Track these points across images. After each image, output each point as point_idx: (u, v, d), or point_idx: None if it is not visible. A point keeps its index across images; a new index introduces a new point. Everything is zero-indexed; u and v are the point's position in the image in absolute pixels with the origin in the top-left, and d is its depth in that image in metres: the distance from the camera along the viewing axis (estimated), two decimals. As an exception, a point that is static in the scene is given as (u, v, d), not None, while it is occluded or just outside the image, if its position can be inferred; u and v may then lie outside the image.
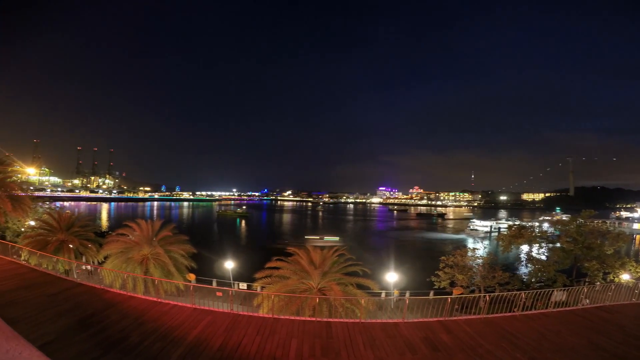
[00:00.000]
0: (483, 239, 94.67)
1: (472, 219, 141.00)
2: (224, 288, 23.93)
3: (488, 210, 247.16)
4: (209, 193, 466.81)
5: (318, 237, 75.92)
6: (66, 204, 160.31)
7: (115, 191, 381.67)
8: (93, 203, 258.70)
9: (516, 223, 49.54)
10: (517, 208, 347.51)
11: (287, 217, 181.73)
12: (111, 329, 12.86)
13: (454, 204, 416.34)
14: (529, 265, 35.96)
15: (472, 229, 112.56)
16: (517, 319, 15.90)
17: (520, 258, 40.38)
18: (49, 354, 2.41)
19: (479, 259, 34.71)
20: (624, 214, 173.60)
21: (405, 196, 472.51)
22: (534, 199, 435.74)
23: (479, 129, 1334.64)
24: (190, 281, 29.78)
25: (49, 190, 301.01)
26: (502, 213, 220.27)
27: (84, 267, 35.39)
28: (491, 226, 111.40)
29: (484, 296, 19.38)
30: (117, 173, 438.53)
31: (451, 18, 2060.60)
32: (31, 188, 45.01)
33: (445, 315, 16.11)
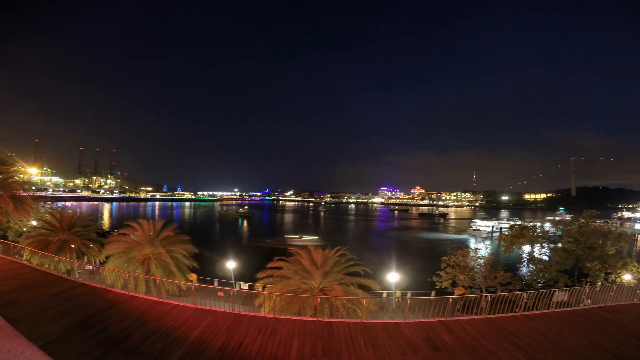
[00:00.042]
0: (485, 239, 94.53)
1: (482, 217, 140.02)
2: (226, 288, 23.94)
3: (489, 211, 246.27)
4: (211, 193, 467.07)
5: (297, 237, 78.02)
6: (68, 204, 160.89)
7: (117, 191, 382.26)
8: (95, 203, 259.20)
9: (517, 223, 49.46)
10: (518, 208, 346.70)
11: (288, 217, 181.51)
12: (113, 329, 12.87)
13: (456, 204, 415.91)
14: (531, 265, 35.91)
15: (474, 229, 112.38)
16: (518, 319, 15.86)
17: (522, 258, 40.25)
18: (51, 353, 2.41)
19: (481, 259, 34.66)
20: (626, 214, 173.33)
21: (407, 196, 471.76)
22: (535, 199, 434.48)
23: (479, 129, 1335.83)
24: (191, 281, 29.80)
25: (50, 190, 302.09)
26: (504, 213, 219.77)
27: (86, 267, 35.45)
28: (493, 226, 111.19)
29: (486, 296, 19.34)
30: (119, 173, 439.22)
31: (451, 18, 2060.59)
32: (33, 188, 45.21)
33: (446, 315, 16.08)
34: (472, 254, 34.86)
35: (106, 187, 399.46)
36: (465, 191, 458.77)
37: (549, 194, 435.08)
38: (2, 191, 32.62)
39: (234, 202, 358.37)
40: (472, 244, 74.81)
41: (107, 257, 28.11)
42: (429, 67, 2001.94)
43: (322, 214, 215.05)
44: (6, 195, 32.13)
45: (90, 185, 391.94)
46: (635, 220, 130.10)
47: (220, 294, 29.08)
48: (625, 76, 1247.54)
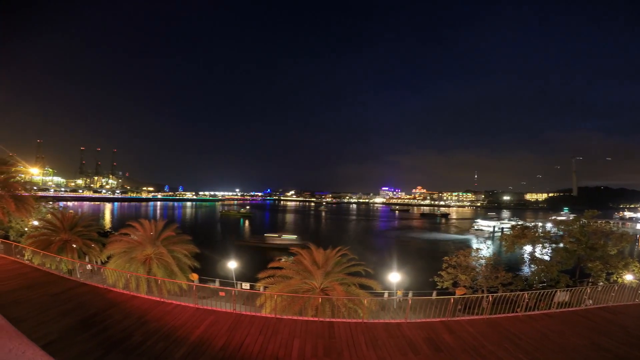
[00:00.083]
0: (487, 239, 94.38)
1: (492, 217, 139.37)
2: (227, 288, 23.98)
3: (491, 211, 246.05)
4: (212, 193, 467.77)
5: (277, 235, 78.31)
6: (69, 204, 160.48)
7: (118, 191, 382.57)
8: (96, 203, 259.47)
9: (519, 223, 49.41)
10: (520, 208, 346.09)
11: (289, 217, 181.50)
12: (114, 329, 12.88)
13: (457, 204, 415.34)
14: (532, 265, 35.86)
15: (477, 229, 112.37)
16: (519, 320, 15.82)
17: (523, 258, 40.21)
18: (52, 353, 2.41)
19: (482, 259, 34.62)
20: (628, 214, 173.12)
21: (408, 196, 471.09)
22: (537, 199, 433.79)
23: (481, 129, 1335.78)
24: (193, 281, 29.84)
25: (52, 190, 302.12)
26: (505, 213, 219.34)
27: (88, 267, 35.52)
28: (494, 226, 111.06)
29: (487, 296, 19.30)
30: (120, 173, 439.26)
31: (453, 18, 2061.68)
32: (34, 188, 45.24)
33: (447, 315, 16.05)
34: (473, 254, 34.84)
35: (108, 187, 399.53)
36: (466, 191, 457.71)
37: (551, 194, 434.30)
38: (3, 191, 32.68)
39: (235, 202, 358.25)
40: (475, 244, 74.77)
41: (109, 257, 28.16)
42: (430, 67, 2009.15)
43: (323, 214, 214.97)
44: (8, 195, 32.17)
45: (92, 185, 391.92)
46: (637, 220, 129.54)
47: (222, 293, 29.14)
48: (626, 76, 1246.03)
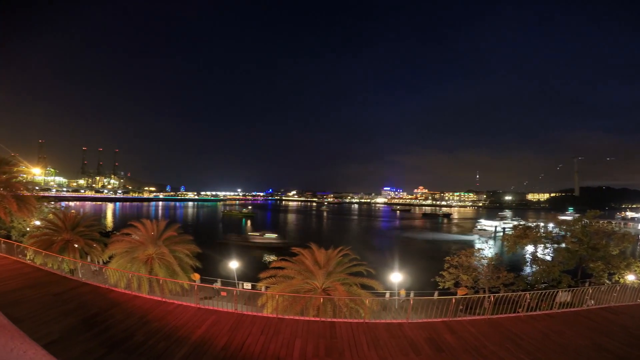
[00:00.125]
0: (489, 238, 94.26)
1: (502, 217, 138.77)
2: (229, 288, 24.07)
3: (493, 211, 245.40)
4: (214, 193, 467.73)
5: (258, 234, 78.87)
6: (71, 203, 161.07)
7: (120, 191, 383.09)
8: (98, 203, 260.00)
9: (521, 223, 49.31)
10: (522, 208, 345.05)
11: (291, 217, 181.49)
12: (115, 328, 12.91)
13: (459, 204, 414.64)
14: (534, 265, 35.77)
15: (480, 229, 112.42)
16: (521, 320, 15.80)
17: (525, 258, 40.12)
18: (54, 352, 2.41)
19: (484, 259, 34.55)
20: (630, 214, 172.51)
21: (410, 196, 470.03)
22: (539, 199, 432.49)
23: (482, 129, 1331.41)
24: (194, 281, 29.88)
25: (54, 190, 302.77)
26: (507, 213, 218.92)
27: (93, 268, 35.58)
28: (495, 226, 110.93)
29: (489, 297, 19.27)
30: (122, 173, 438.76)
31: (456, 18, 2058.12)
32: (36, 188, 45.31)
33: (449, 315, 16.04)
34: (475, 254, 34.77)
35: (109, 187, 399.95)
36: (468, 191, 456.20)
37: (553, 194, 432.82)
38: (5, 191, 32.81)
39: (237, 202, 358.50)
40: (478, 244, 74.65)
41: (111, 257, 28.21)
42: (430, 67, 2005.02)
43: (324, 214, 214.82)
44: (10, 195, 32.30)
45: (94, 185, 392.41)
46: (638, 220, 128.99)
47: (223, 293, 29.19)
48: (627, 76, 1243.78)
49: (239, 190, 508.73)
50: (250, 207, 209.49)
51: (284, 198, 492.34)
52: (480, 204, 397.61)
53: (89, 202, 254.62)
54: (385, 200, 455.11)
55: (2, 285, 17.25)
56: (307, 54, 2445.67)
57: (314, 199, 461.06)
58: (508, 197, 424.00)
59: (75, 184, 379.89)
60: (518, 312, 16.96)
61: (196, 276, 31.15)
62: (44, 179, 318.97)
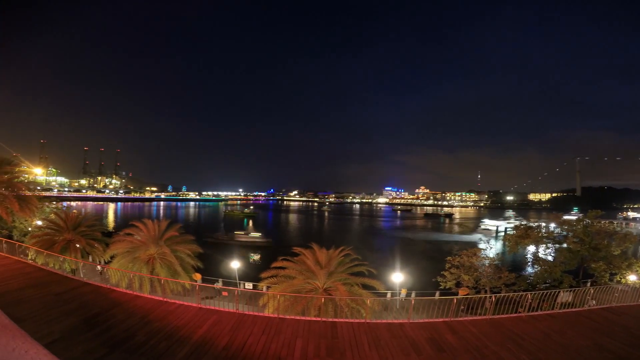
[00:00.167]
0: (492, 238, 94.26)
1: (510, 217, 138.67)
2: (230, 288, 24.04)
3: (494, 211, 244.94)
4: (216, 193, 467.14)
5: (243, 233, 79.57)
6: (73, 203, 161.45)
7: (121, 191, 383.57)
8: (100, 203, 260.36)
9: (523, 223, 49.21)
10: (523, 208, 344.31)
11: (292, 217, 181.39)
12: (117, 328, 12.92)
13: (460, 204, 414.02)
14: (536, 265, 35.71)
15: (483, 228, 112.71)
16: (522, 320, 15.77)
17: (526, 258, 40.06)
18: (55, 352, 2.42)
19: (485, 259, 34.50)
20: (631, 214, 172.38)
21: (411, 196, 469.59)
22: (540, 199, 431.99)
23: (482, 129, 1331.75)
24: (196, 281, 29.91)
25: (56, 190, 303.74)
26: (509, 213, 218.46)
27: (98, 268, 35.64)
28: (497, 226, 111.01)
29: (490, 297, 19.25)
30: (124, 173, 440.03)
31: (454, 18, 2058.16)
32: (38, 188, 45.42)
33: (450, 315, 16.02)
34: (477, 254, 34.72)
35: (111, 187, 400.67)
36: (470, 191, 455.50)
37: (554, 194, 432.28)
38: (7, 191, 32.87)
39: (239, 202, 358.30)
40: (482, 244, 74.62)
41: (112, 257, 28.24)
42: (430, 67, 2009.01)
43: (326, 214, 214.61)
44: (12, 195, 32.37)
45: (95, 185, 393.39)
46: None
47: (225, 293, 29.19)
48: (627, 76, 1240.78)
49: (241, 190, 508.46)
50: (252, 207, 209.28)
51: (285, 198, 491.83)
52: (482, 204, 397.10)
53: (91, 202, 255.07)
54: (387, 200, 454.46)
55: (4, 285, 17.28)
56: (307, 54, 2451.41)
57: (315, 199, 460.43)
58: (509, 197, 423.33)
59: (76, 184, 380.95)
60: (519, 312, 16.92)
61: (197, 276, 31.19)
62: (46, 179, 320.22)
